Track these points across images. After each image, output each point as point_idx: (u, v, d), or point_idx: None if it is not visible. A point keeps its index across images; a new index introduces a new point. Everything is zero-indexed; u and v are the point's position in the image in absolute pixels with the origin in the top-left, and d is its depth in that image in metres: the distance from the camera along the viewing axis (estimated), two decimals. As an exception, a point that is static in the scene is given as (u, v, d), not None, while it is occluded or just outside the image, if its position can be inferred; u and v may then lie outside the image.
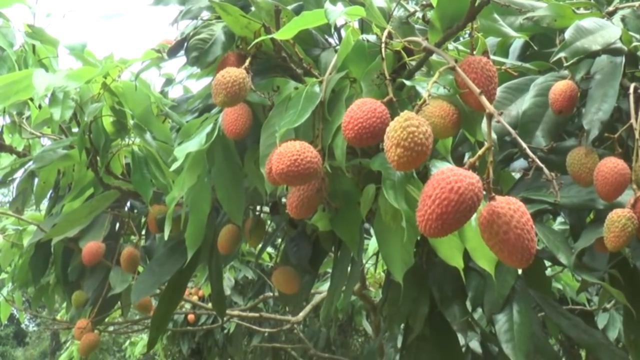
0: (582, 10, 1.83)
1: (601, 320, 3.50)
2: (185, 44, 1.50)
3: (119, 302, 2.63)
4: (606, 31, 1.50)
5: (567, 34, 1.40)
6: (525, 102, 1.58)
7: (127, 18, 1.93)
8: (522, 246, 0.83)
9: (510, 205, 0.85)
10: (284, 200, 1.63)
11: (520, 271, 1.70)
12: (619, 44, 1.54)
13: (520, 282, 1.56)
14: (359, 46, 1.22)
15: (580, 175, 1.43)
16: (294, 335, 4.92)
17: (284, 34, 1.21)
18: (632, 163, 1.37)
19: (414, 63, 1.25)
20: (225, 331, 4.85)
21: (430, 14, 1.16)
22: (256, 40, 1.29)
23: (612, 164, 1.34)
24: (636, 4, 1.69)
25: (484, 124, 0.97)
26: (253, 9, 1.41)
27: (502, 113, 0.89)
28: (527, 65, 1.69)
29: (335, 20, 1.09)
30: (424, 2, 1.29)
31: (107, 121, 1.84)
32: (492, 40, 1.87)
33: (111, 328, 3.98)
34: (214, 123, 1.46)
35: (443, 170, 0.83)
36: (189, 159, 1.44)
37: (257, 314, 3.25)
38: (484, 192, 0.88)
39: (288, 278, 1.70)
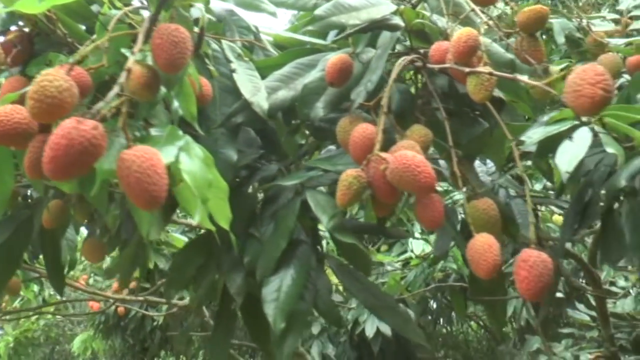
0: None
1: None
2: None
3: None
4: (375, 8, 1.58)
5: (320, 10, 1.48)
6: (310, 76, 1.65)
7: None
8: (142, 189, 0.90)
9: (136, 153, 0.92)
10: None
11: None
12: (396, 21, 1.62)
13: (305, 247, 1.61)
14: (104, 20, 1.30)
15: (344, 142, 1.51)
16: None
17: (29, 7, 1.26)
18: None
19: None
20: (155, 323, 4.89)
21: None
22: (5, 10, 1.35)
23: (362, 129, 1.42)
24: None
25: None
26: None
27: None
28: (324, 42, 1.77)
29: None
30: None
31: None
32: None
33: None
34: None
35: None
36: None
37: (141, 298, 3.31)
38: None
39: (92, 249, 1.77)
